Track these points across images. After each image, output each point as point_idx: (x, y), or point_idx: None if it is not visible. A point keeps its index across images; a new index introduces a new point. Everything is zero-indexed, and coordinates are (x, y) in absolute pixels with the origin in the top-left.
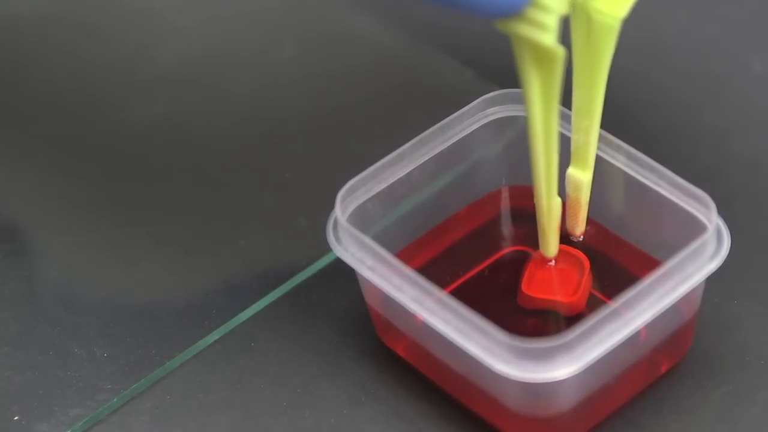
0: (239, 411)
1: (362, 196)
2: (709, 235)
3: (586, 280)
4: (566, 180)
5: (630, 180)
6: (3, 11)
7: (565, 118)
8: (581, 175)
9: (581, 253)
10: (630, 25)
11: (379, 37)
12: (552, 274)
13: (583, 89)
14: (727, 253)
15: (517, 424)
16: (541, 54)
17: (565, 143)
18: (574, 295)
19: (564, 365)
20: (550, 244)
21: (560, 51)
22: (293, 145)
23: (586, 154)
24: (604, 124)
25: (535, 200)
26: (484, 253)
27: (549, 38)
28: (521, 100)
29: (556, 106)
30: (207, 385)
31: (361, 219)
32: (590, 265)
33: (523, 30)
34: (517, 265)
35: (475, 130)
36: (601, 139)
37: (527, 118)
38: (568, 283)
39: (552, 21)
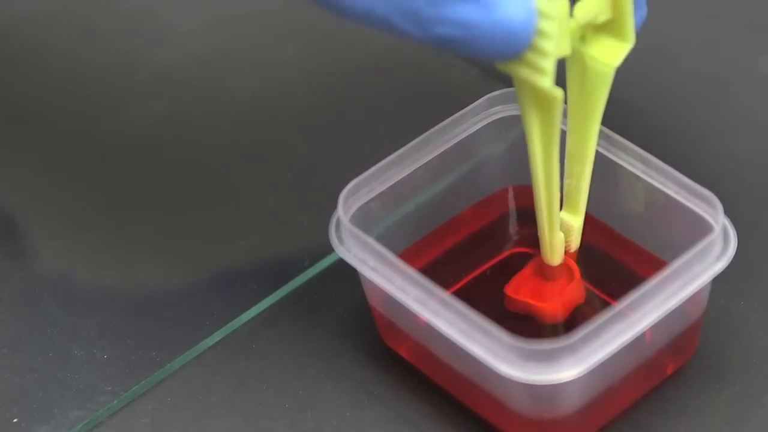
0: (240, 413)
1: (365, 196)
2: (715, 236)
3: (571, 290)
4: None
5: (636, 180)
6: (2, 13)
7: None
8: (572, 220)
9: (573, 262)
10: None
11: (381, 35)
12: (537, 279)
13: (576, 135)
14: (733, 253)
15: (521, 427)
16: (539, 95)
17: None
18: (550, 301)
19: (569, 367)
20: (554, 260)
21: (557, 93)
22: (295, 145)
23: (577, 200)
24: (610, 125)
25: (538, 233)
26: (488, 254)
27: (546, 81)
28: None
29: (556, 146)
30: (208, 387)
31: (363, 219)
32: (580, 276)
33: (522, 72)
34: (521, 265)
35: (479, 129)
36: (607, 139)
37: (529, 156)
38: (549, 289)
39: (548, 65)
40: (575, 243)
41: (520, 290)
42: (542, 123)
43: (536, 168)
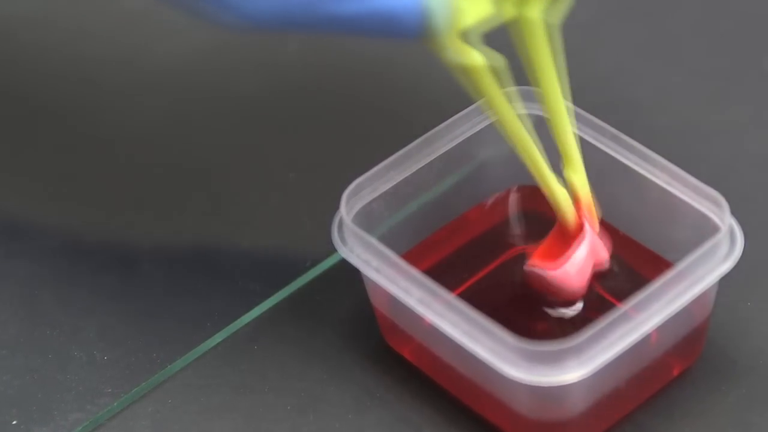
0: (242, 416)
1: (368, 196)
2: (722, 236)
3: (585, 251)
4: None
5: (641, 179)
6: (1, 13)
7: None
8: (572, 177)
9: (588, 221)
10: (639, 22)
11: None
12: (555, 247)
13: (546, 95)
14: (740, 254)
15: (525, 429)
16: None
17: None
18: (553, 262)
19: (574, 369)
20: (565, 215)
21: (470, 62)
22: (297, 145)
23: (569, 155)
24: (615, 124)
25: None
26: (493, 255)
27: (448, 55)
28: (530, 97)
29: (506, 104)
30: (209, 389)
31: (366, 219)
32: (597, 234)
33: (431, 46)
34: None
35: (483, 128)
36: (612, 138)
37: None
38: (557, 254)
39: (446, 40)
40: (584, 197)
41: (536, 262)
42: (484, 89)
43: (503, 128)
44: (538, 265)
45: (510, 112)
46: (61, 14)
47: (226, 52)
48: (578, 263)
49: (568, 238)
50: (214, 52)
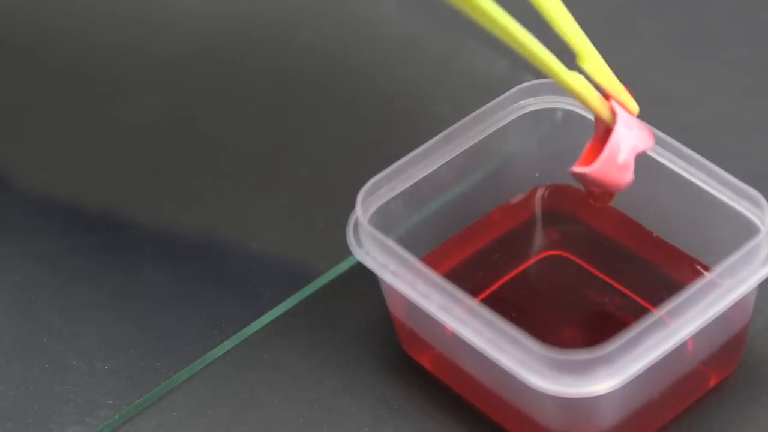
0: (251, 429)
1: (385, 196)
2: (762, 238)
3: (612, 138)
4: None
5: (676, 178)
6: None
7: None
8: (589, 68)
9: (618, 106)
10: (671, 11)
11: (404, 22)
12: (593, 147)
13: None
14: None
15: None
16: None
17: None
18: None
19: (604, 379)
20: (599, 110)
21: None
22: (311, 140)
23: (580, 47)
24: (648, 118)
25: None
26: (518, 258)
27: None
28: (560, 90)
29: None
30: (216, 400)
31: (384, 220)
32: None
33: None
34: (553, 270)
35: (508, 123)
36: None
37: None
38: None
39: None
40: (608, 84)
41: (577, 165)
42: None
43: (496, 29)
44: (578, 165)
45: (499, 11)
46: (64, 1)
47: (235, 40)
48: (614, 152)
49: (608, 133)
50: (222, 42)
